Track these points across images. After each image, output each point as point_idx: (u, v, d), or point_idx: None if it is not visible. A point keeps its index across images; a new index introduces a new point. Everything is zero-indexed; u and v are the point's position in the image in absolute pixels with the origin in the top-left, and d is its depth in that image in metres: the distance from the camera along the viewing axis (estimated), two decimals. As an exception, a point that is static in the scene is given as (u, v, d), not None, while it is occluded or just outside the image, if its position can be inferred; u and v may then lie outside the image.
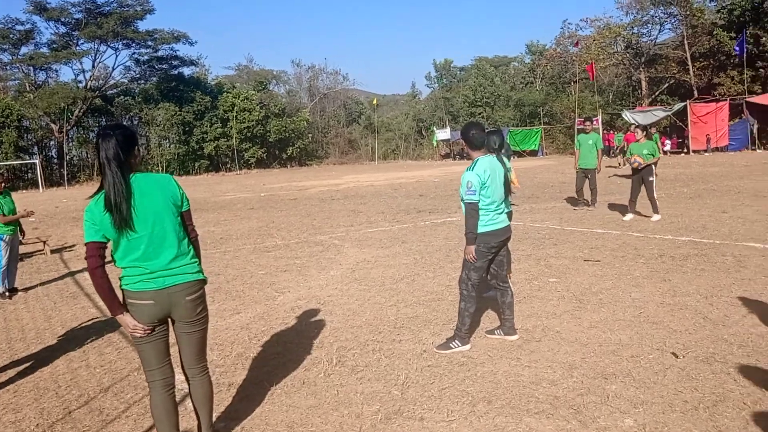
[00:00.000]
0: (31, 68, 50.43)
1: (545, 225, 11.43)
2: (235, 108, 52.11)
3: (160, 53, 52.53)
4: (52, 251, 11.97)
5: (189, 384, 3.48)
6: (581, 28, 54.30)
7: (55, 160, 50.07)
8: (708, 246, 8.53)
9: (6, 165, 39.04)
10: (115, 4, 48.03)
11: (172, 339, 3.38)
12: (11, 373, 5.15)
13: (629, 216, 11.45)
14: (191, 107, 51.00)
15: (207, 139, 51.73)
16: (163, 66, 53.29)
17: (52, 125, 47.56)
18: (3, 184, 8.31)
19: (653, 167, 11.47)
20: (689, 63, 44.06)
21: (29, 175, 46.95)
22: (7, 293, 8.07)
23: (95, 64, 50.76)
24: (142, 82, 53.95)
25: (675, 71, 45.90)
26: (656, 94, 48.27)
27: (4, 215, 8.06)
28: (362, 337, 5.49)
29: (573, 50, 51.57)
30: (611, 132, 38.98)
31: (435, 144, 55.42)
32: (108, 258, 3.15)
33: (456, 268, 7.53)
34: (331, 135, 64.13)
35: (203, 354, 3.49)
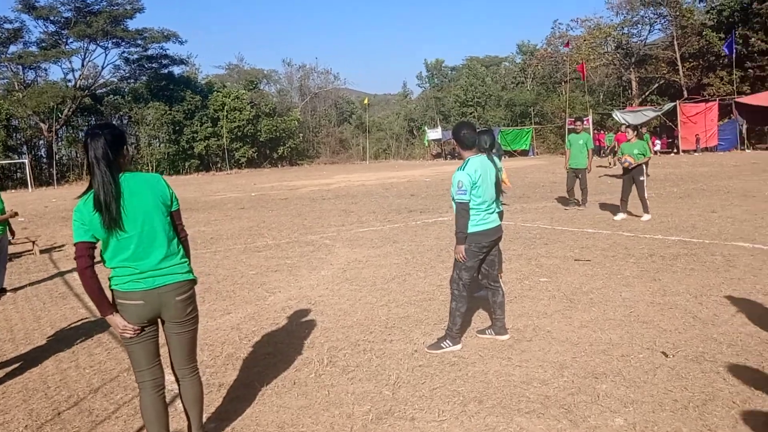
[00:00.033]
0: (20, 67, 50.09)
1: (536, 225, 11.46)
2: (226, 107, 51.96)
3: (149, 52, 52.33)
4: (42, 251, 11.89)
5: (179, 385, 3.47)
6: (572, 29, 54.61)
7: (45, 160, 49.79)
8: (698, 245, 8.57)
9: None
10: (104, 3, 47.83)
11: (162, 339, 3.36)
12: (0, 374, 5.12)
13: (621, 215, 11.50)
14: (181, 106, 50.82)
15: (197, 139, 51.57)
16: (153, 65, 53.08)
17: (42, 124, 47.28)
18: None
19: (644, 167, 11.53)
20: (679, 63, 44.33)
21: (18, 174, 46.68)
22: (-5, 294, 8.00)
23: (85, 63, 50.56)
24: (132, 81, 53.73)
25: (665, 71, 46.17)
26: (646, 94, 48.54)
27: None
28: (353, 337, 5.48)
29: (564, 50, 51.76)
30: (602, 132, 39.16)
31: (426, 144, 55.47)
32: (97, 258, 3.13)
33: (447, 268, 7.54)
34: (322, 134, 64.07)
35: (193, 354, 3.47)
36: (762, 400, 3.75)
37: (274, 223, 13.98)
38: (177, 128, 51.10)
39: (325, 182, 28.97)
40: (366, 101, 64.21)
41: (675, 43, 44.45)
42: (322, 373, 4.64)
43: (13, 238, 8.88)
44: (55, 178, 45.76)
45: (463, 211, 4.82)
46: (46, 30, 49.20)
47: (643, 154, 11.33)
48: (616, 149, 25.34)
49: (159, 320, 3.32)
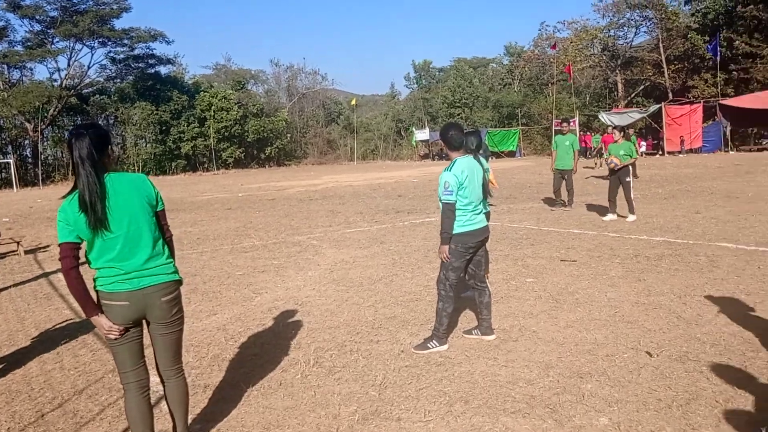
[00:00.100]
0: (5, 66, 49.65)
1: (523, 225, 11.51)
2: (213, 107, 51.76)
3: (136, 52, 52.05)
4: (26, 252, 11.79)
5: (164, 386, 3.45)
6: (559, 30, 54.98)
7: (30, 160, 49.33)
8: (682, 246, 8.64)
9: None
10: (91, 2, 47.53)
11: (146, 341, 3.34)
12: (-18, 376, 5.06)
13: (610, 216, 11.56)
14: (168, 106, 50.57)
15: (184, 139, 51.32)
16: (140, 65, 52.80)
17: (27, 124, 46.84)
18: None
19: (630, 168, 11.61)
20: (664, 66, 44.70)
21: (3, 174, 46.29)
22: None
23: (71, 63, 50.19)
24: (118, 80, 53.41)
25: (650, 74, 46.55)
26: (632, 96, 48.93)
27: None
28: (340, 337, 5.48)
29: (550, 52, 52.04)
30: (588, 133, 39.38)
31: (414, 144, 55.56)
32: (82, 259, 3.11)
33: (434, 269, 7.55)
34: (309, 135, 63.98)
35: (179, 356, 3.46)
36: (744, 400, 3.79)
37: (261, 224, 13.95)
38: (163, 128, 50.85)
39: (312, 183, 28.93)
40: (354, 102, 64.18)
41: (660, 45, 44.81)
42: (309, 374, 4.63)
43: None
44: (40, 178, 45.35)
45: (449, 211, 4.83)
46: (31, 29, 48.84)
47: (629, 156, 11.41)
48: (603, 151, 25.52)
49: (144, 321, 3.30)
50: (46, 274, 9.40)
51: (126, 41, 50.39)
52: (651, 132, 39.92)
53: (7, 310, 7.28)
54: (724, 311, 5.55)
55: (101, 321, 3.14)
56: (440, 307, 5.00)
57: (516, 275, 7.47)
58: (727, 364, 4.36)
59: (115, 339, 3.18)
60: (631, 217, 11.24)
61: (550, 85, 51.62)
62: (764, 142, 35.87)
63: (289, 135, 59.54)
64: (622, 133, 12.15)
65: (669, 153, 35.25)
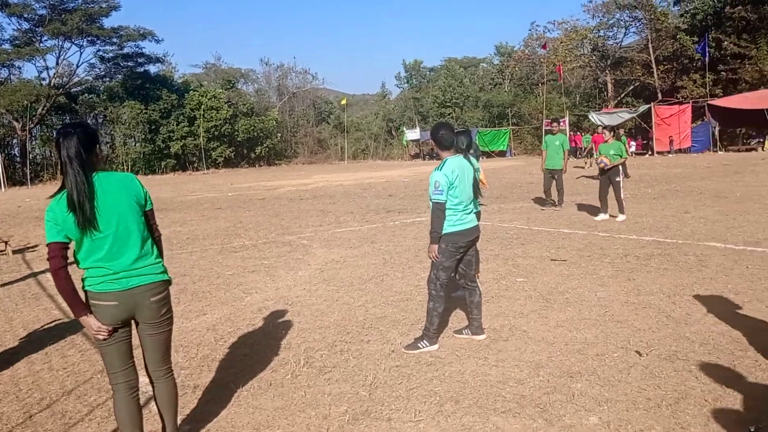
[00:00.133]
0: (-7, 65, 49.22)
1: (513, 225, 11.53)
2: (203, 106, 51.53)
3: (125, 50, 51.71)
4: (14, 251, 11.69)
5: (153, 386, 3.44)
6: (549, 30, 55.13)
7: (18, 159, 48.92)
8: (671, 246, 8.69)
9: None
10: (79, 1, 47.16)
11: (135, 341, 3.32)
12: (-31, 377, 5.02)
13: (602, 216, 11.60)
14: (157, 105, 50.32)
15: (173, 138, 51.07)
16: (129, 63, 52.47)
17: (15, 123, 46.46)
18: None
19: (620, 168, 11.65)
20: (653, 66, 44.93)
21: (-9, 173, 45.86)
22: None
23: (59, 62, 49.78)
24: (107, 79, 53.07)
25: (640, 74, 46.76)
26: (622, 96, 49.15)
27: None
28: (330, 337, 5.47)
29: (541, 52, 52.19)
30: (578, 133, 39.52)
31: (405, 144, 55.59)
32: (71, 259, 3.09)
33: (425, 268, 7.55)
34: (300, 134, 63.83)
35: (168, 356, 3.45)
36: (733, 399, 3.81)
37: (251, 224, 13.91)
38: (153, 127, 50.58)
39: (303, 182, 28.88)
40: (344, 101, 64.11)
41: (650, 46, 45.04)
42: (299, 374, 4.62)
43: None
44: (28, 177, 45.03)
45: (438, 211, 4.83)
46: (19, 27, 48.41)
47: (619, 155, 11.45)
48: (594, 150, 25.62)
49: (133, 321, 3.28)
50: (34, 274, 9.33)
51: (115, 40, 50.06)
52: (640, 132, 40.12)
53: (-5, 311, 7.22)
54: (713, 310, 5.58)
55: (90, 321, 3.12)
56: (431, 307, 5.00)
57: (506, 275, 7.48)
58: (716, 363, 4.38)
59: (104, 339, 3.17)
60: (621, 217, 11.28)
61: (540, 84, 51.78)
62: (752, 143, 36.07)
63: (279, 134, 59.38)
64: (613, 133, 12.20)
65: (658, 153, 35.42)
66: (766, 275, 6.73)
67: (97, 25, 48.31)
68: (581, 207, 13.62)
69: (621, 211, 11.38)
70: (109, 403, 4.12)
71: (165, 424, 3.46)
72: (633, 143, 36.58)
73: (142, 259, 3.21)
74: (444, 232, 4.90)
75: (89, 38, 48.78)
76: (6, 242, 11.75)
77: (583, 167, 26.73)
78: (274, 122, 57.16)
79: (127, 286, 3.14)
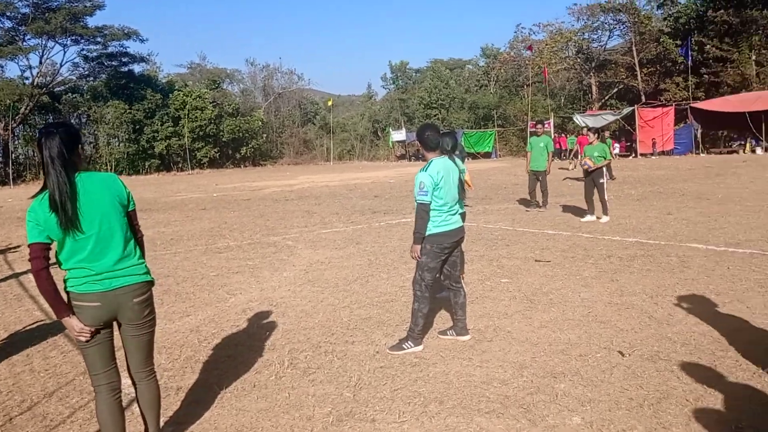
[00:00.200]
0: (-25, 63, 48.60)
1: (498, 226, 11.58)
2: (187, 106, 51.19)
3: (109, 50, 51.18)
4: (-6, 252, 11.56)
5: (136, 388, 3.41)
6: (534, 33, 55.47)
7: (0, 159, 48.36)
8: (654, 247, 8.76)
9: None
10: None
11: (118, 342, 3.30)
12: (-52, 379, 4.95)
13: (587, 217, 11.66)
14: (141, 105, 49.92)
15: (158, 138, 50.66)
16: (113, 63, 51.97)
17: (-3, 122, 45.94)
18: None
19: (604, 170, 11.72)
20: (637, 69, 45.34)
21: (-28, 173, 45.28)
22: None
23: (42, 61, 49.19)
24: (91, 79, 52.51)
25: (624, 76, 47.16)
26: (606, 98, 49.52)
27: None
28: (315, 338, 5.46)
29: (526, 54, 52.45)
30: (563, 135, 39.75)
31: (390, 145, 55.58)
32: (52, 259, 3.06)
33: (410, 269, 7.56)
34: (285, 135, 63.59)
35: (150, 357, 3.42)
36: (714, 398, 3.85)
37: (236, 224, 13.84)
38: (137, 127, 50.15)
39: (288, 183, 28.80)
40: (330, 102, 64.03)
41: (633, 48, 45.44)
42: (283, 376, 4.61)
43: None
44: (10, 177, 44.46)
45: (423, 212, 4.84)
46: (2, 26, 47.73)
47: (603, 157, 11.53)
48: (579, 152, 25.77)
49: (115, 322, 3.26)
50: (16, 275, 9.23)
51: (99, 39, 49.54)
52: (624, 134, 40.43)
53: (-25, 312, 7.13)
54: (695, 311, 5.64)
55: (72, 323, 3.09)
56: (416, 308, 5.01)
57: (491, 276, 7.50)
58: (698, 363, 4.43)
59: (86, 341, 3.14)
60: (605, 218, 11.36)
61: (525, 86, 52.05)
62: (734, 145, 36.52)
63: (264, 135, 59.16)
64: (597, 135, 12.27)
65: (642, 155, 35.71)
66: (747, 276, 6.81)
67: (81, 24, 47.83)
68: (565, 208, 13.70)
69: (605, 212, 11.46)
70: (92, 405, 4.09)
71: (148, 426, 3.44)
72: (617, 145, 36.88)
73: (124, 260, 3.19)
74: (429, 233, 4.91)
75: (73, 37, 48.28)
76: (-13, 243, 11.61)
77: (568, 169, 26.88)
78: (260, 123, 56.94)
79: (110, 287, 3.12)
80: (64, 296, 3.12)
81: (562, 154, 36.39)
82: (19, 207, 21.97)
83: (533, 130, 15.40)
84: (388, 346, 5.07)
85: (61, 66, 50.84)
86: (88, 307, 3.09)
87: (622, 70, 47.39)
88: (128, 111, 48.98)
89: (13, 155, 47.19)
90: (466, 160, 9.52)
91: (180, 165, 52.50)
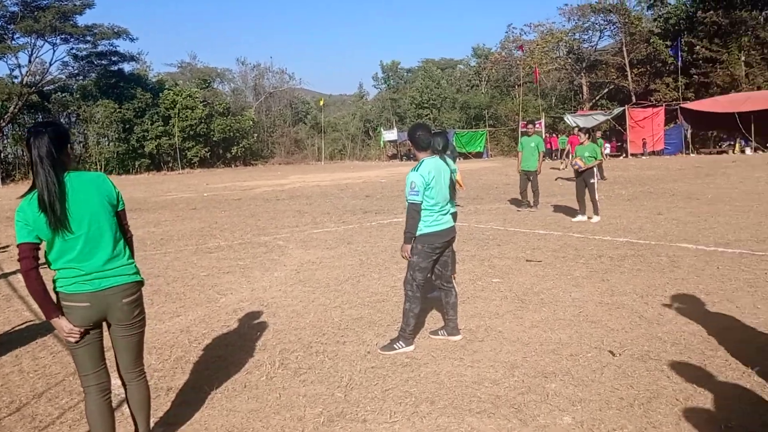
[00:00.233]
0: (-37, 62, 48.26)
1: (489, 226, 11.59)
2: (178, 105, 50.98)
3: (99, 49, 50.90)
4: (-17, 252, 11.47)
5: (126, 389, 3.39)
6: (525, 33, 55.51)
7: (-11, 158, 48.04)
8: (644, 247, 8.80)
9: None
10: (52, -2, 46.40)
11: (107, 343, 3.28)
12: (-65, 380, 4.91)
13: (579, 217, 11.68)
14: (132, 104, 49.70)
15: (148, 138, 50.45)
16: (103, 62, 51.71)
17: (-14, 122, 45.61)
18: None
19: (595, 170, 11.76)
20: (628, 69, 45.50)
21: (-39, 173, 44.94)
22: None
23: (32, 59, 48.83)
24: (81, 78, 52.22)
25: (614, 77, 47.33)
26: (597, 98, 49.69)
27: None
28: (306, 339, 5.45)
29: (517, 54, 52.56)
30: (554, 135, 39.86)
31: (382, 145, 55.57)
32: (42, 260, 3.04)
33: (401, 269, 7.55)
34: (276, 134, 63.47)
35: (140, 358, 3.41)
36: (704, 398, 3.87)
37: (227, 224, 13.80)
38: (127, 126, 49.93)
39: (279, 183, 28.74)
40: (321, 101, 63.98)
41: (624, 49, 45.61)
42: (274, 376, 4.60)
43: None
44: (0, 176, 44.21)
45: (414, 211, 4.85)
46: (-10, 24, 47.48)
47: (594, 157, 11.56)
48: (571, 152, 25.85)
49: (105, 323, 3.24)
50: (5, 275, 9.16)
51: (89, 38, 49.27)
52: (615, 134, 40.59)
53: (-37, 313, 7.07)
54: (685, 310, 5.67)
55: (61, 323, 3.07)
56: (407, 308, 5.00)
57: (482, 275, 7.51)
58: (688, 362, 4.44)
59: (75, 342, 3.12)
60: (596, 218, 11.40)
61: (516, 87, 52.18)
62: (723, 145, 36.73)
63: (255, 134, 59.02)
64: (588, 135, 12.30)
65: (632, 155, 35.87)
66: (736, 276, 6.85)
67: (71, 22, 47.55)
68: (557, 208, 13.74)
69: (596, 212, 11.50)
70: (81, 406, 4.06)
71: (138, 426, 3.42)
72: (608, 145, 37.03)
73: (114, 260, 3.17)
74: (420, 232, 4.91)
75: (62, 36, 47.97)
76: (-25, 243, 11.53)
77: (559, 169, 26.97)
78: (251, 122, 56.80)
79: (100, 287, 3.10)
80: (54, 297, 3.10)
81: (553, 154, 36.50)
82: (8, 207, 21.81)
83: (524, 130, 15.43)
84: (379, 347, 5.06)
85: (50, 65, 50.55)
86: (78, 307, 3.07)
87: (612, 70, 47.57)
88: (118, 110, 48.75)
89: (2, 154, 46.96)
90: (457, 160, 9.53)
91: (170, 164, 52.29)
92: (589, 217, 11.53)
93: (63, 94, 50.76)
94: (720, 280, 6.69)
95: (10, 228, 15.10)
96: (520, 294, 6.54)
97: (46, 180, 2.96)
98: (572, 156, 12.71)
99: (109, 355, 3.31)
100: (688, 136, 35.72)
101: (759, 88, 37.57)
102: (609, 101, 47.88)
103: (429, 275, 5.16)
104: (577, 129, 23.11)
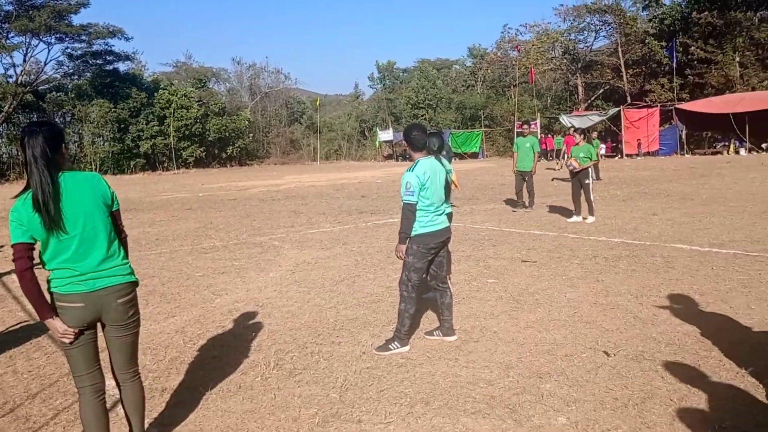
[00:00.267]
0: (-42, 61, 48.01)
1: (485, 226, 11.60)
2: (173, 105, 50.84)
3: (94, 48, 50.72)
4: (-23, 252, 11.43)
5: (120, 389, 3.39)
6: (521, 33, 55.75)
7: (-16, 158, 47.86)
8: (639, 247, 8.82)
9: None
10: (47, -3, 46.25)
11: (102, 343, 3.27)
12: (-71, 381, 4.89)
13: (575, 218, 11.70)
14: (126, 104, 49.55)
15: (143, 137, 50.30)
16: (98, 61, 51.53)
17: (-20, 121, 45.43)
18: None
19: (590, 170, 11.78)
20: (623, 70, 45.63)
21: (-46, 172, 44.77)
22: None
23: (26, 59, 48.65)
24: (76, 77, 52.04)
25: (609, 77, 47.48)
26: (592, 99, 49.82)
27: None
28: (301, 339, 5.44)
29: (513, 55, 52.65)
30: (549, 136, 39.92)
31: (378, 145, 55.55)
32: (36, 260, 3.03)
33: (396, 270, 7.55)
34: (272, 134, 63.36)
35: (135, 358, 3.40)
36: (698, 398, 3.88)
37: (222, 224, 13.78)
38: (122, 126, 49.77)
39: (274, 183, 28.71)
40: (317, 101, 63.91)
41: (619, 50, 45.73)
42: (269, 377, 4.59)
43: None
44: (-6, 176, 44.08)
45: (409, 212, 4.85)
46: (-15, 24, 47.29)
47: (589, 158, 11.59)
48: (566, 152, 25.91)
49: (99, 323, 3.23)
50: (-2, 276, 9.13)
51: (84, 37, 49.10)
52: (610, 135, 40.70)
53: (-44, 313, 7.05)
54: (679, 311, 5.68)
55: (55, 324, 3.06)
56: (402, 309, 5.01)
57: (478, 276, 7.52)
58: (682, 362, 4.46)
59: (70, 343, 3.11)
60: (591, 219, 11.42)
61: (512, 87, 52.25)
62: (718, 146, 36.85)
63: (251, 134, 58.87)
64: (583, 135, 12.32)
65: (627, 155, 35.98)
66: (730, 276, 6.88)
67: (66, 22, 47.39)
68: (552, 209, 13.76)
69: (591, 212, 11.52)
70: (75, 407, 4.06)
71: (132, 427, 3.42)
72: (603, 146, 37.09)
73: (108, 260, 3.16)
74: (415, 233, 4.91)
75: (57, 35, 47.81)
76: (-31, 243, 11.48)
77: (555, 169, 27.01)
78: (246, 122, 56.66)
79: (94, 287, 3.10)
80: (48, 297, 3.09)
81: (549, 155, 36.55)
82: (2, 206, 21.74)
83: (519, 130, 15.44)
84: (374, 347, 5.06)
85: (45, 64, 50.36)
86: (72, 307, 3.07)
87: (607, 70, 47.70)
88: (113, 110, 48.61)
89: (-3, 154, 46.73)
90: (453, 160, 9.55)
91: (165, 164, 52.14)
92: (584, 218, 11.56)
93: (58, 94, 50.57)
94: (714, 281, 6.71)
95: (4, 228, 15.03)
96: (516, 294, 6.55)
97: (40, 180, 2.95)
98: (567, 156, 12.73)
99: (104, 356, 3.30)
100: (683, 136, 35.83)
101: (753, 89, 37.72)
102: (604, 102, 48.01)
103: (424, 276, 5.17)
104: (572, 129, 23.15)
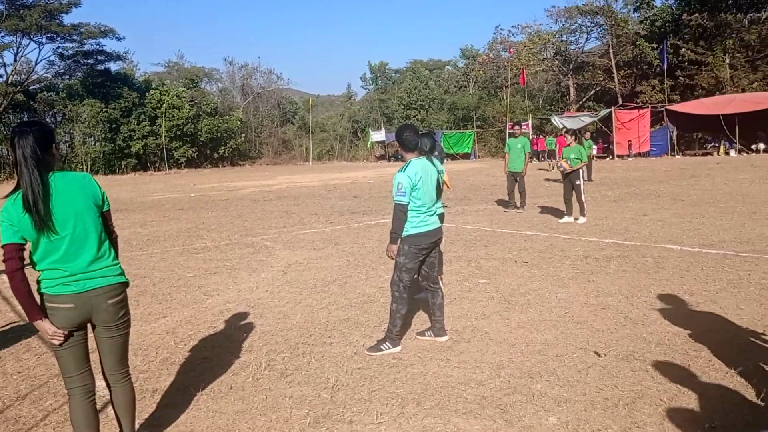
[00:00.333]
0: (-53, 61, 47.71)
1: (476, 227, 11.63)
2: (164, 105, 50.68)
3: (85, 48, 50.55)
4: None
5: (110, 390, 3.37)
6: (513, 34, 55.85)
7: (-26, 158, 47.55)
8: (630, 248, 8.86)
9: None
10: (39, -4, 46.03)
11: (92, 344, 3.26)
12: None
13: (566, 219, 11.74)
14: (118, 104, 49.38)
15: (134, 137, 50.13)
16: (89, 61, 51.34)
17: (-30, 121, 45.16)
18: None
19: (581, 171, 11.82)
20: (614, 71, 45.84)
21: (-56, 172, 44.47)
22: None
23: (17, 58, 48.48)
24: (67, 77, 51.84)
25: (601, 78, 47.68)
26: (583, 100, 50.00)
27: None
28: (292, 340, 5.44)
29: (505, 56, 52.77)
30: (541, 136, 40.04)
31: (370, 145, 55.57)
32: (27, 260, 3.02)
33: (388, 270, 7.55)
34: (264, 135, 63.27)
35: (125, 359, 3.39)
36: (687, 398, 3.90)
37: (214, 225, 13.75)
38: (113, 126, 49.60)
39: (266, 183, 28.67)
40: (309, 102, 63.87)
41: (610, 51, 45.95)
42: (260, 377, 4.58)
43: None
44: (-16, 176, 43.82)
45: (400, 212, 4.86)
46: (-25, 23, 47.01)
47: (580, 159, 11.62)
48: (558, 153, 25.98)
49: (89, 324, 3.22)
50: (-13, 276, 9.08)
51: (75, 37, 48.92)
52: (602, 136, 40.86)
53: (-55, 314, 7.00)
54: (669, 311, 5.71)
55: (45, 326, 3.05)
56: (394, 309, 5.01)
57: (469, 276, 7.53)
58: (672, 362, 4.48)
59: (59, 344, 3.10)
60: (582, 219, 11.46)
61: (504, 88, 52.36)
62: (708, 147, 37.05)
63: (243, 135, 58.80)
64: (574, 136, 12.35)
65: (618, 156, 36.13)
66: (720, 277, 6.92)
67: (57, 21, 47.19)
68: (543, 209, 13.80)
69: (582, 213, 11.56)
70: (65, 408, 4.04)
71: (122, 429, 3.40)
72: (594, 147, 37.22)
73: (99, 261, 3.15)
74: (407, 233, 4.92)
75: (48, 35, 47.62)
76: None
77: (546, 170, 27.09)
78: (238, 122, 56.58)
79: (84, 288, 3.08)
80: (38, 298, 3.08)
81: (540, 156, 36.66)
82: (-8, 207, 21.61)
83: (511, 131, 15.48)
84: (366, 348, 5.07)
85: (36, 64, 50.25)
86: (62, 308, 3.05)
87: (599, 72, 47.91)
88: (104, 110, 48.43)
89: (-13, 154, 46.45)
90: (444, 161, 9.58)
91: (157, 165, 51.99)
92: (575, 219, 11.60)
93: (49, 94, 50.35)
94: (704, 281, 6.75)
95: (-6, 228, 14.94)
96: (507, 295, 6.57)
97: (30, 180, 2.94)
98: (558, 157, 12.77)
99: (94, 357, 3.29)
100: (674, 137, 36.01)
101: (743, 91, 38.00)
102: (596, 103, 48.22)
103: (416, 276, 5.17)
104: (564, 130, 23.21)
